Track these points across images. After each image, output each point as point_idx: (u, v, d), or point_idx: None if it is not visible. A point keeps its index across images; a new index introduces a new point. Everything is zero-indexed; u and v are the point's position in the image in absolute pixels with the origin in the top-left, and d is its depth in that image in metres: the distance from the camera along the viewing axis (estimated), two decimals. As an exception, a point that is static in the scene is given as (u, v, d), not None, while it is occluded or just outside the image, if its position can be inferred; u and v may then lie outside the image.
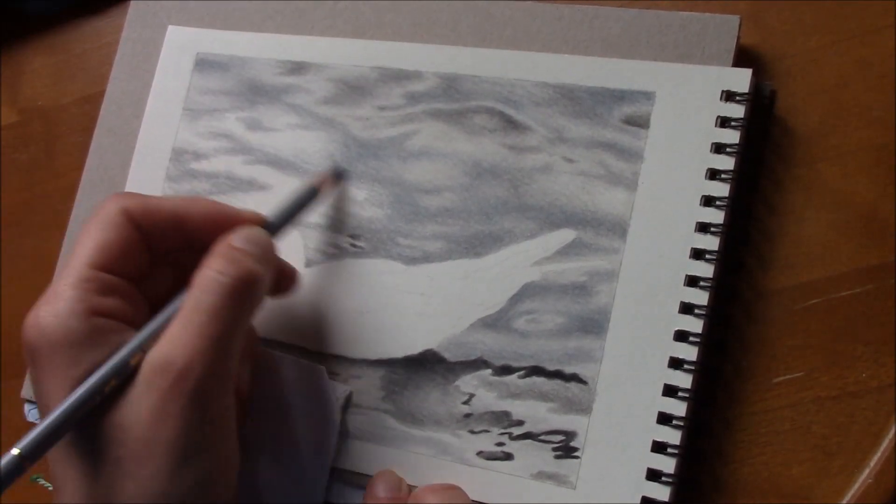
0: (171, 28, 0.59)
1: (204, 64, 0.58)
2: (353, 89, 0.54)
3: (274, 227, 0.49)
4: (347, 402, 0.51)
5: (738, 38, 0.48)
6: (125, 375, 0.43)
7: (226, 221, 0.48)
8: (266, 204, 0.54)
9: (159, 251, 0.48)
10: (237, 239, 0.46)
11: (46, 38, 0.67)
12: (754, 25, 0.50)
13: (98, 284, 0.45)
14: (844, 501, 0.45)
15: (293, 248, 0.53)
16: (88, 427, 0.42)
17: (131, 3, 0.61)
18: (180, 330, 0.43)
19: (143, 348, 0.43)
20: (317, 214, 0.53)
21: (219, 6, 0.59)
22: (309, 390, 0.51)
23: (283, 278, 0.51)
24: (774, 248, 0.48)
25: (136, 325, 0.45)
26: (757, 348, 0.48)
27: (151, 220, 0.47)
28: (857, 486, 0.45)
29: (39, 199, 0.65)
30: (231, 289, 0.44)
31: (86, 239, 0.46)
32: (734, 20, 0.48)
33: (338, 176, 0.53)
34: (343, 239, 0.53)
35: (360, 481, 0.50)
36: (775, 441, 0.47)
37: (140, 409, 0.42)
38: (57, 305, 0.43)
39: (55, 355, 0.43)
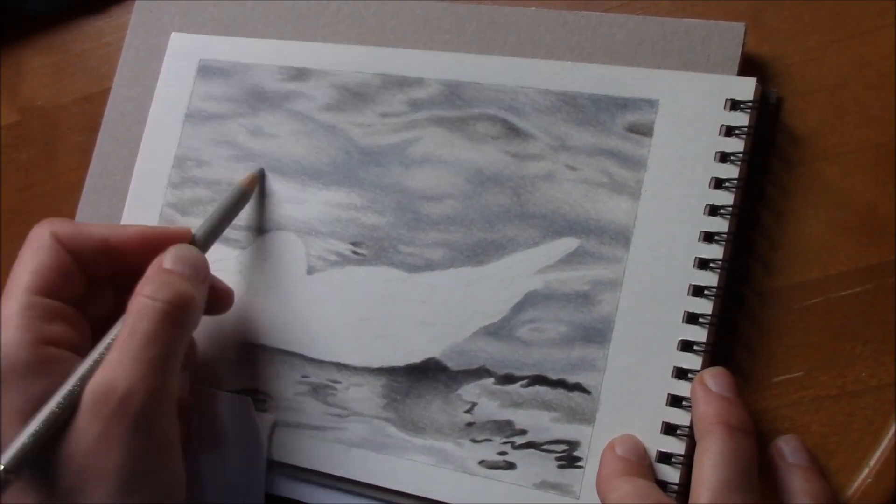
0: (174, 35, 0.59)
1: (206, 70, 0.58)
2: (354, 96, 0.54)
3: (204, 241, 0.50)
4: (273, 430, 0.52)
5: (744, 45, 0.48)
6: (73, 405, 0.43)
7: (157, 243, 0.49)
8: (267, 211, 0.54)
9: (95, 276, 0.49)
10: (168, 260, 0.47)
11: (46, 37, 0.67)
12: (754, 25, 0.50)
13: (42, 311, 0.45)
14: (844, 500, 0.45)
15: (295, 255, 0.53)
16: (38, 457, 0.42)
17: (134, 8, 0.61)
18: (119, 356, 0.43)
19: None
20: (319, 222, 0.53)
21: (222, 13, 0.59)
22: (238, 421, 0.52)
23: (219, 297, 0.52)
24: (774, 247, 0.48)
25: (82, 350, 0.45)
26: (756, 348, 0.47)
27: (81, 245, 0.48)
28: (856, 484, 0.45)
29: (39, 199, 0.64)
30: (164, 313, 0.45)
31: (22, 265, 0.47)
32: (739, 28, 0.48)
33: (261, 176, 0.55)
34: (345, 246, 0.53)
35: (360, 490, 0.50)
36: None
37: (86, 437, 0.42)
38: (5, 335, 0.44)
39: (4, 386, 0.43)
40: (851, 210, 0.47)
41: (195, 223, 0.55)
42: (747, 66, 0.49)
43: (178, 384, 0.45)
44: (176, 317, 0.45)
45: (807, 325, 0.47)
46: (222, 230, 0.52)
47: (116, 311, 0.48)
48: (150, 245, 0.49)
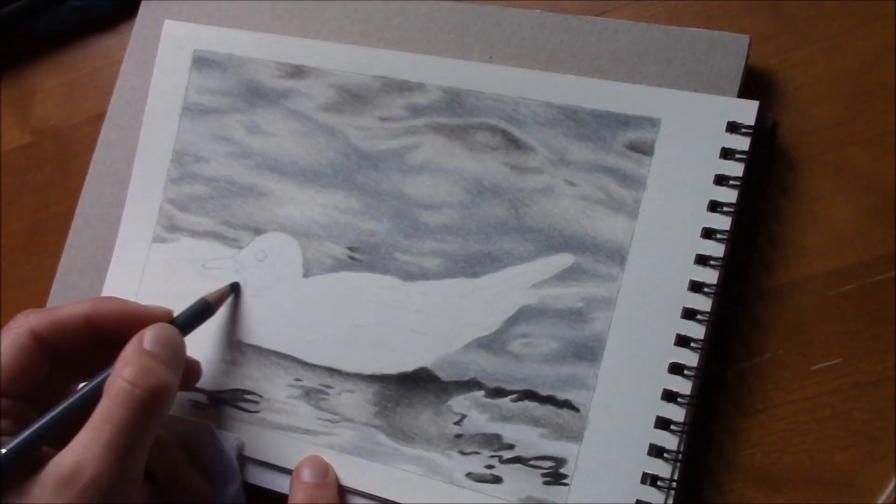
0: (167, 22, 0.58)
1: (202, 62, 0.57)
2: (354, 97, 0.53)
3: (184, 325, 0.50)
4: (240, 451, 0.52)
5: (748, 56, 0.47)
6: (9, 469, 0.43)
7: (136, 319, 0.49)
8: (265, 210, 0.54)
9: (64, 355, 0.48)
10: (149, 340, 0.46)
11: (56, 57, 0.66)
12: (774, 14, 0.49)
13: None
14: (890, 486, 0.45)
15: (292, 257, 0.53)
16: None
17: (142, 1, 0.60)
18: (90, 441, 0.43)
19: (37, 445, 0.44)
20: (317, 224, 0.53)
21: (226, 6, 0.58)
22: (207, 449, 0.51)
23: (188, 372, 0.51)
24: (805, 234, 0.48)
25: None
26: (793, 336, 0.47)
27: (60, 332, 0.48)
28: (903, 470, 0.45)
29: (56, 219, 0.63)
30: (143, 402, 0.44)
31: None
32: (744, 39, 0.47)
33: (233, 289, 0.54)
34: (342, 250, 0.52)
35: (349, 497, 0.50)
36: (816, 429, 0.46)
37: None
38: None
39: None
40: (881, 195, 0.47)
41: (194, 220, 0.56)
42: (754, 82, 0.48)
43: (143, 470, 0.45)
44: (154, 406, 0.45)
45: (843, 311, 0.47)
46: (192, 328, 0.51)
47: (66, 390, 0.49)
48: (129, 321, 0.49)
